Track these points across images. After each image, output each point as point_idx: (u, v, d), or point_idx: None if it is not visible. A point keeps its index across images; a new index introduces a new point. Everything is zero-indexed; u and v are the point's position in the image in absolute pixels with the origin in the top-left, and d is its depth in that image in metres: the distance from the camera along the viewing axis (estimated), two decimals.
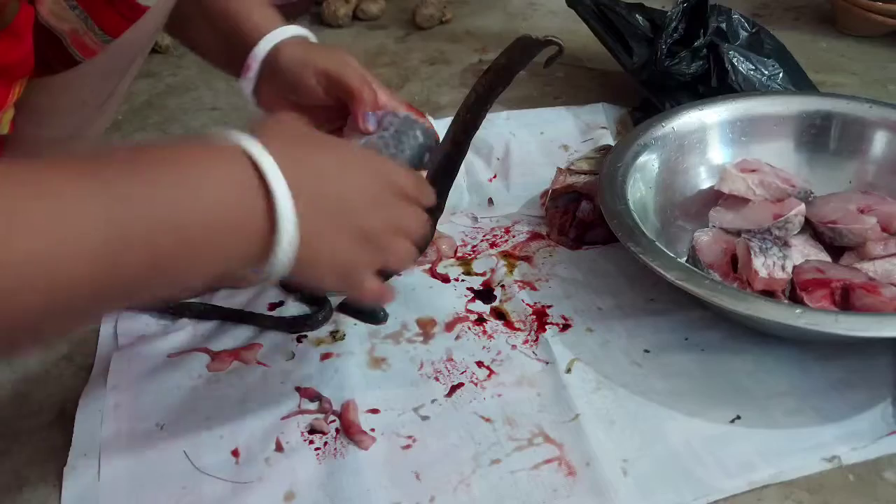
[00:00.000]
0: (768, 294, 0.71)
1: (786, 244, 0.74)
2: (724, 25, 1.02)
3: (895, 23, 1.26)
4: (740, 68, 0.98)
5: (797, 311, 0.64)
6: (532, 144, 1.01)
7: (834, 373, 0.68)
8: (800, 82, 1.00)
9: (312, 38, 0.73)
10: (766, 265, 0.71)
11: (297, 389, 0.68)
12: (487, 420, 0.65)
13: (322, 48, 0.73)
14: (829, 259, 0.77)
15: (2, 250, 0.37)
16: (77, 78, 0.59)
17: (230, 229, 0.45)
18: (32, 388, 0.69)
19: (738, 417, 0.65)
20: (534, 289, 0.79)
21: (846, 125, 0.88)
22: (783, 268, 0.72)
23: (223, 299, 0.77)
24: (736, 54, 0.98)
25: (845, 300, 0.70)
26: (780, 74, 0.99)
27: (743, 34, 1.03)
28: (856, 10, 1.28)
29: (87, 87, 0.62)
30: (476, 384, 0.69)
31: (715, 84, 0.98)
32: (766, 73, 0.98)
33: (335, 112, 0.71)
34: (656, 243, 0.71)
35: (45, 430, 0.66)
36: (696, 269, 0.71)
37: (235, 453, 0.62)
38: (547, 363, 0.70)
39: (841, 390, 0.67)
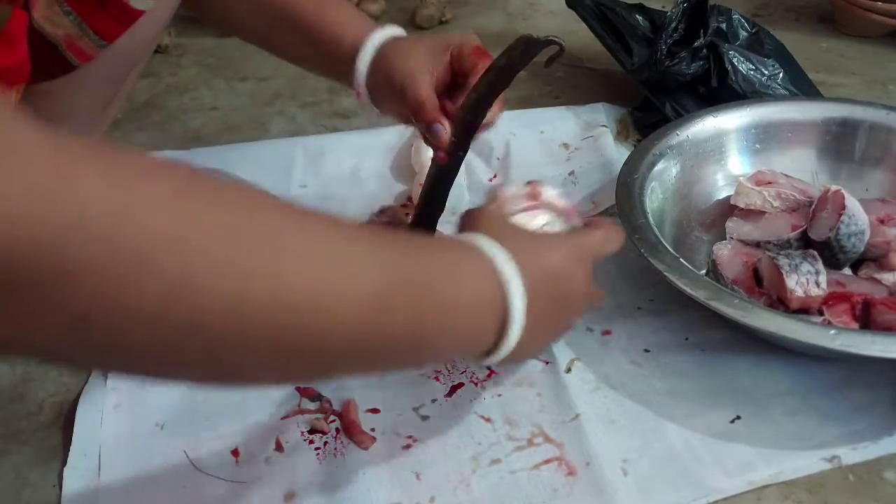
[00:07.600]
0: (803, 311, 0.69)
1: (814, 257, 0.71)
2: (724, 25, 1.02)
3: (895, 23, 1.26)
4: (740, 68, 0.97)
5: (831, 332, 0.62)
6: (532, 144, 1.01)
7: (834, 372, 0.69)
8: (800, 82, 1.00)
9: (401, 32, 0.75)
10: (801, 283, 0.68)
11: (297, 389, 0.68)
12: (487, 420, 0.65)
13: (406, 53, 0.73)
14: (848, 270, 0.75)
15: (279, 287, 0.35)
16: (76, 83, 0.59)
17: (477, 317, 0.48)
18: (32, 388, 0.69)
19: (738, 417, 0.65)
20: None
21: (866, 132, 0.86)
22: (818, 283, 0.69)
23: None
24: (736, 54, 0.98)
25: (866, 315, 0.69)
26: (780, 74, 0.98)
27: (743, 34, 1.03)
28: (856, 10, 1.28)
29: (86, 93, 0.62)
30: (476, 384, 0.69)
31: (715, 84, 0.98)
32: (766, 73, 0.98)
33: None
34: (681, 260, 0.69)
35: (44, 430, 0.66)
36: (720, 285, 0.69)
37: (235, 453, 0.62)
38: (547, 363, 0.70)
39: (841, 390, 0.67)
